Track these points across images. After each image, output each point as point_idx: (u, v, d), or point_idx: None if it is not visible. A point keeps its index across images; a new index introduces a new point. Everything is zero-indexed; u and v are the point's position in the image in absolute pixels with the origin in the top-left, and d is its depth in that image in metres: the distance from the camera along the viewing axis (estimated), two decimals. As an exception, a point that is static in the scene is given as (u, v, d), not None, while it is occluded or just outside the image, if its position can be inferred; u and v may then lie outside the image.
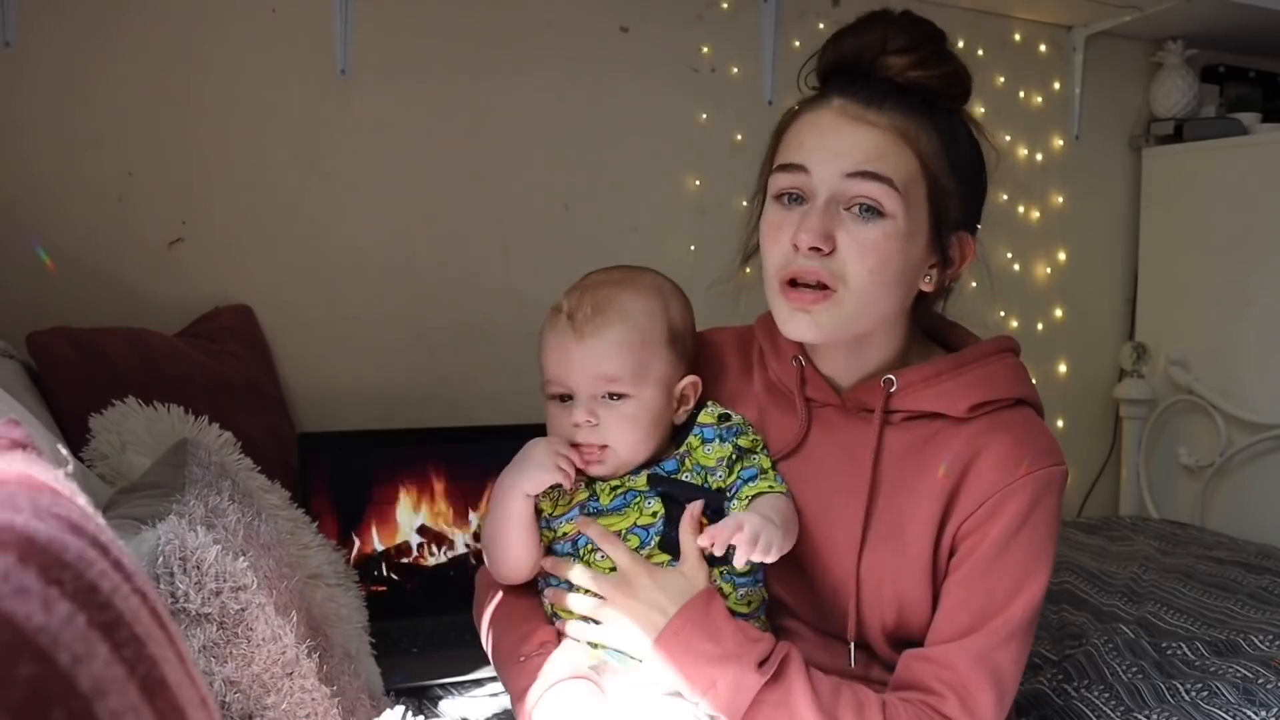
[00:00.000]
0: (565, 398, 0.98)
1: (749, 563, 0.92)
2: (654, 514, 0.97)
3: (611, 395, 0.97)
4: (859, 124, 0.93)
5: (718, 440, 1.00)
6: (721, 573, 0.96)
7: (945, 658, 0.92)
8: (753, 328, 1.13)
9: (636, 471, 0.99)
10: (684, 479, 0.99)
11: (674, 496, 0.97)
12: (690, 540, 0.95)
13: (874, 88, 0.94)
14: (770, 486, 0.98)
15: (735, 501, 0.97)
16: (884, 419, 0.99)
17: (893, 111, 0.93)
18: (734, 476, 0.99)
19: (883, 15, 0.97)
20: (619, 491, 0.98)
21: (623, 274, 1.02)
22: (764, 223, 0.98)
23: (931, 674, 0.92)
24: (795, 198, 0.95)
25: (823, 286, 0.93)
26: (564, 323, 0.98)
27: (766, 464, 1.01)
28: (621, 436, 0.97)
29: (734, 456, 1.00)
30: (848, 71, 0.97)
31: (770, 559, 0.91)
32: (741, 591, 0.97)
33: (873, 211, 0.92)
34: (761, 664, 0.89)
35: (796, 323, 0.95)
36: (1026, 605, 0.93)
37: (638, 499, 0.97)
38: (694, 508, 0.96)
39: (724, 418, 1.02)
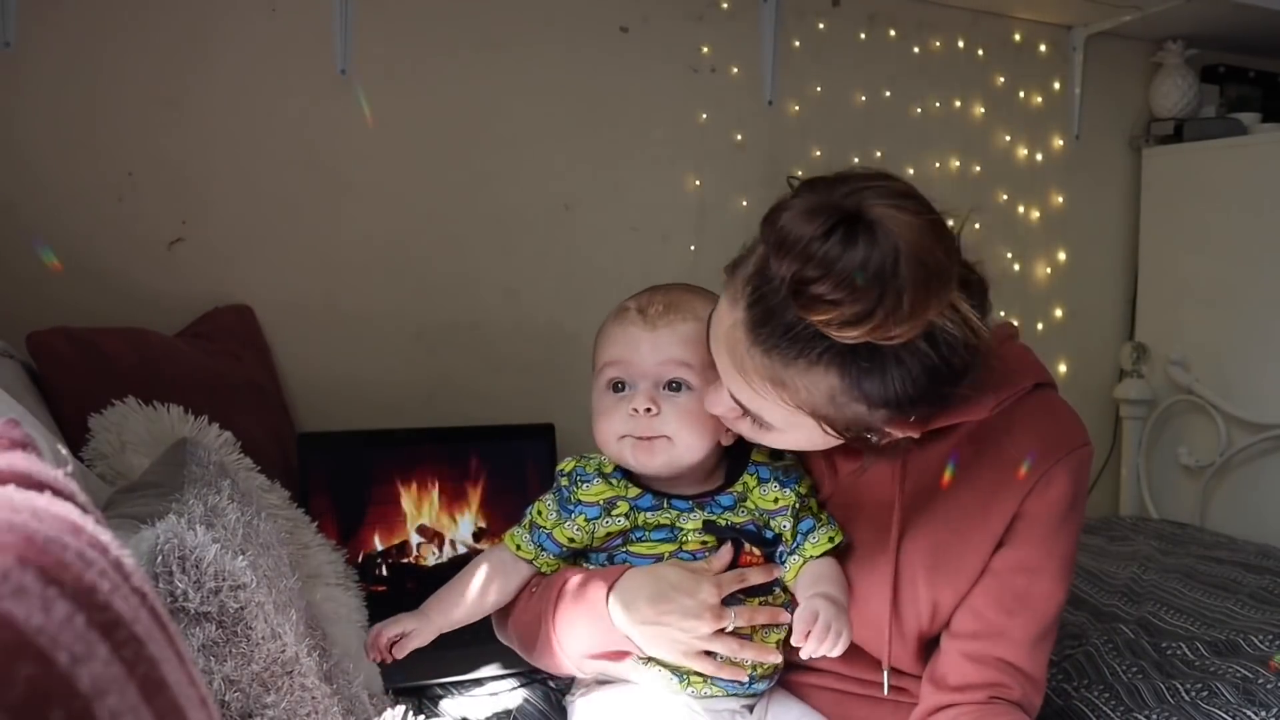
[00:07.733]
0: (620, 386, 0.99)
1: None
2: (703, 543, 0.98)
3: (671, 386, 0.97)
4: None
5: (775, 483, 1.01)
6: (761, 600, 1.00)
7: (1007, 651, 0.97)
8: None
9: (689, 508, 0.99)
10: (739, 521, 0.99)
11: (723, 534, 0.99)
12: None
13: None
14: (830, 540, 0.99)
15: (796, 557, 0.99)
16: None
17: None
18: (796, 531, 1.00)
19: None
20: (665, 525, 0.99)
21: (686, 286, 1.04)
22: None
23: (999, 669, 0.97)
24: None
25: None
26: (633, 315, 0.99)
27: (816, 505, 1.03)
28: (681, 429, 0.97)
29: (797, 507, 1.00)
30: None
31: (838, 650, 0.90)
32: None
33: None
34: None
35: None
36: (1065, 591, 0.99)
37: (684, 533, 0.98)
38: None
39: (776, 455, 1.03)
